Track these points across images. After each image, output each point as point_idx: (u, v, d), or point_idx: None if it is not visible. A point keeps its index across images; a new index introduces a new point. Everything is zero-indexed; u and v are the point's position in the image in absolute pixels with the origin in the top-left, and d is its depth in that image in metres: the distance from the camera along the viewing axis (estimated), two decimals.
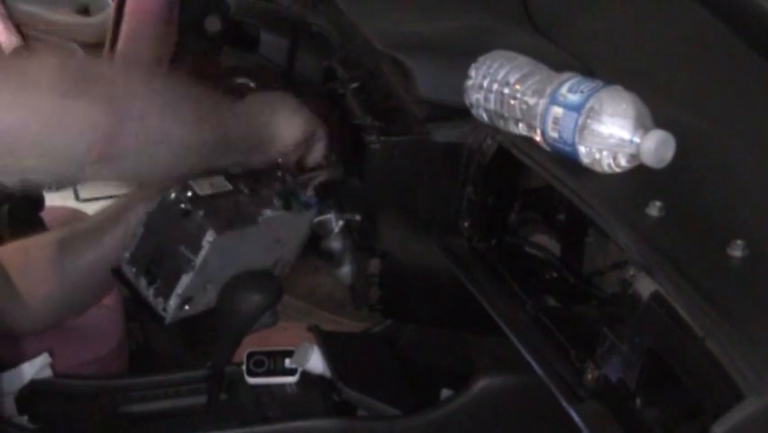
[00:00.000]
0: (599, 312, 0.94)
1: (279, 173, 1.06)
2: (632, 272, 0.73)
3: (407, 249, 1.14)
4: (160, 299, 0.97)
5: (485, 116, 0.95)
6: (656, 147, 0.78)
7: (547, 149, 0.87)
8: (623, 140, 0.79)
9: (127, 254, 0.98)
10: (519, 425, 1.11)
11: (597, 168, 0.82)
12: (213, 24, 1.63)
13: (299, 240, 1.11)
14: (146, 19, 1.91)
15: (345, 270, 1.18)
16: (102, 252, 1.07)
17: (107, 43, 2.12)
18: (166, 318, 0.98)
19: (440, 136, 1.04)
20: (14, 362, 1.19)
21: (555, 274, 1.02)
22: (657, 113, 0.81)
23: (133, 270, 0.98)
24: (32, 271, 1.05)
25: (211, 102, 0.95)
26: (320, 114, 1.10)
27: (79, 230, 1.10)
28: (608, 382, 0.77)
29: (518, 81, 0.89)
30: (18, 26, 2.52)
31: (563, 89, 0.83)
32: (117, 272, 0.99)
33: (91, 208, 1.48)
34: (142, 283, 0.97)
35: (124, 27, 2.00)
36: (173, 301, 0.96)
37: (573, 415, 0.79)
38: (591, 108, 0.80)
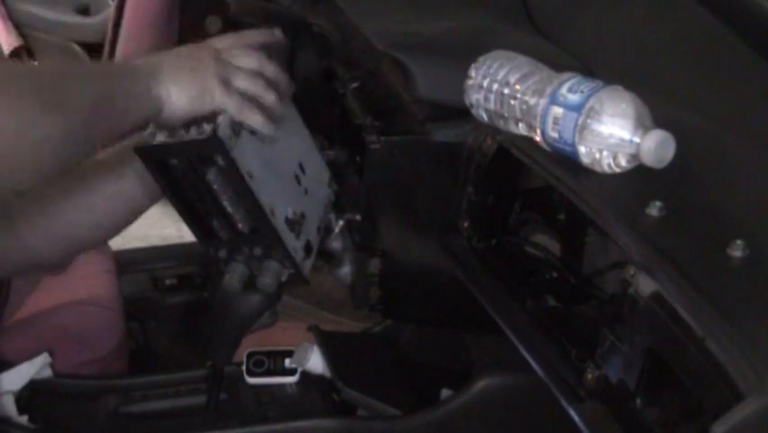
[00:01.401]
0: (599, 312, 0.94)
1: None
2: (632, 272, 0.73)
3: (407, 249, 1.14)
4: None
5: (485, 116, 0.95)
6: (656, 147, 0.78)
7: (547, 149, 0.87)
8: (623, 140, 0.79)
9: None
10: (519, 425, 1.11)
11: (597, 168, 0.82)
12: (213, 24, 1.63)
13: (322, 180, 1.08)
14: (146, 19, 1.92)
15: (345, 270, 1.18)
16: (123, 185, 1.01)
17: (107, 43, 2.12)
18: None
19: (440, 136, 1.04)
20: (14, 362, 1.19)
21: (555, 274, 1.02)
22: (657, 113, 0.81)
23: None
24: (46, 205, 1.02)
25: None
26: None
27: (94, 165, 1.03)
28: (608, 382, 0.77)
29: (518, 81, 0.89)
30: (18, 26, 2.52)
31: (563, 89, 0.84)
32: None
33: None
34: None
35: (124, 27, 2.01)
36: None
37: (573, 415, 0.79)
38: (591, 108, 0.80)
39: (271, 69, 0.95)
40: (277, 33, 1.01)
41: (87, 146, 0.85)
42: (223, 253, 0.97)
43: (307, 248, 1.00)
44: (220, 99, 0.89)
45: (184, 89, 0.87)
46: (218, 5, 1.61)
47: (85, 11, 2.63)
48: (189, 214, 0.95)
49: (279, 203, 0.95)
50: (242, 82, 0.91)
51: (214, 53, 0.92)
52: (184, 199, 0.93)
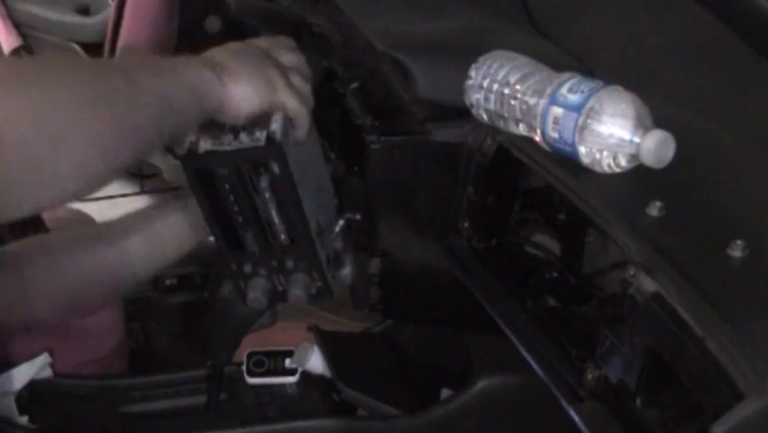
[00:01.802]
0: (599, 312, 0.94)
1: None
2: (632, 272, 0.73)
3: (407, 249, 1.14)
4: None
5: (485, 116, 0.95)
6: (656, 147, 0.78)
7: (547, 149, 0.87)
8: (623, 140, 0.79)
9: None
10: (519, 425, 1.11)
11: (597, 168, 0.82)
12: (213, 24, 1.63)
13: (330, 190, 1.07)
14: (146, 19, 1.91)
15: (345, 270, 1.18)
16: (124, 256, 1.00)
17: (107, 43, 2.12)
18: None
19: (440, 136, 1.04)
20: (14, 362, 1.19)
21: (555, 274, 1.02)
22: (657, 113, 0.81)
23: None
24: (50, 266, 1.02)
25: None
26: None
27: (102, 231, 1.04)
28: (608, 382, 0.77)
29: (518, 81, 0.89)
30: (18, 26, 2.52)
31: (563, 89, 0.83)
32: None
33: (91, 208, 1.48)
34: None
35: (124, 27, 2.00)
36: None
37: (573, 415, 0.79)
38: (591, 108, 0.80)
39: (309, 72, 0.91)
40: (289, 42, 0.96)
41: (142, 148, 0.74)
42: (248, 268, 0.93)
43: (327, 260, 0.98)
44: (284, 96, 0.83)
45: (253, 83, 0.80)
46: (218, 5, 1.61)
47: (85, 11, 2.62)
48: (222, 226, 0.90)
49: (312, 212, 0.92)
50: (296, 80, 0.85)
51: (263, 51, 0.86)
52: (220, 211, 0.88)
